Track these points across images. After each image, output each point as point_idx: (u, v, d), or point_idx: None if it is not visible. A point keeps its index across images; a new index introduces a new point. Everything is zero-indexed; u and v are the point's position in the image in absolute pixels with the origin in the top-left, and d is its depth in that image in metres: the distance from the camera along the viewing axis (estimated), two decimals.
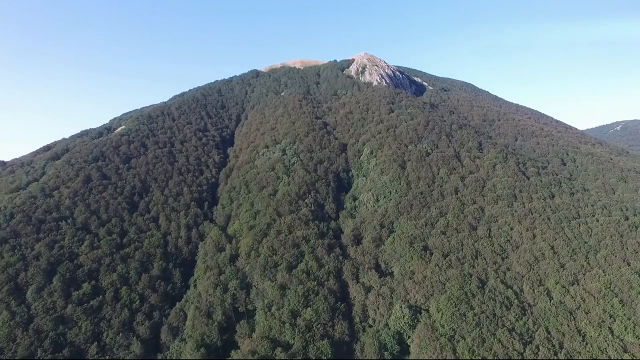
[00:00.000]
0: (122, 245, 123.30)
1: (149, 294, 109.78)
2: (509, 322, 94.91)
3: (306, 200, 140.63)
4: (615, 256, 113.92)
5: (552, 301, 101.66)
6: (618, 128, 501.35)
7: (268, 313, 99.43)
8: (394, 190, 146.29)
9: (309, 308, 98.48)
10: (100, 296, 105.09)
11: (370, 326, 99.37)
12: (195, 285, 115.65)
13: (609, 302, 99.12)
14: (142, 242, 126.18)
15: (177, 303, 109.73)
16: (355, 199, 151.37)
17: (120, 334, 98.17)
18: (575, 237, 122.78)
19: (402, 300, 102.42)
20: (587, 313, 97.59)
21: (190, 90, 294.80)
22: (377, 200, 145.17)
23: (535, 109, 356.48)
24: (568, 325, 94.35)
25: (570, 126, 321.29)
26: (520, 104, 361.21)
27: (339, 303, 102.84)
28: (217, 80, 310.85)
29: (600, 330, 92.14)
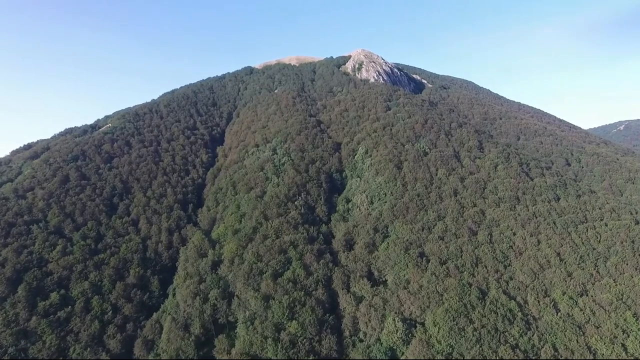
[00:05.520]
0: (97, 251, 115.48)
1: (123, 303, 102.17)
2: (512, 338, 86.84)
3: (296, 203, 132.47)
4: (627, 264, 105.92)
5: (559, 314, 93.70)
6: (621, 128, 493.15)
7: (250, 326, 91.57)
8: (390, 192, 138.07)
9: (294, 321, 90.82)
10: (69, 307, 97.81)
11: (361, 341, 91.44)
12: (174, 294, 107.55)
13: (621, 315, 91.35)
14: (119, 247, 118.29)
15: (154, 314, 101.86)
16: (348, 201, 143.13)
17: (89, 349, 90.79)
18: (583, 243, 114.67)
19: (395, 313, 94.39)
20: (597, 327, 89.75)
21: (181, 87, 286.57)
22: (372, 203, 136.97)
23: (537, 108, 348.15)
24: (577, 341, 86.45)
25: (574, 125, 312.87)
26: (522, 102, 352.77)
27: (328, 315, 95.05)
28: (209, 78, 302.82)
29: (613, 347, 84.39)
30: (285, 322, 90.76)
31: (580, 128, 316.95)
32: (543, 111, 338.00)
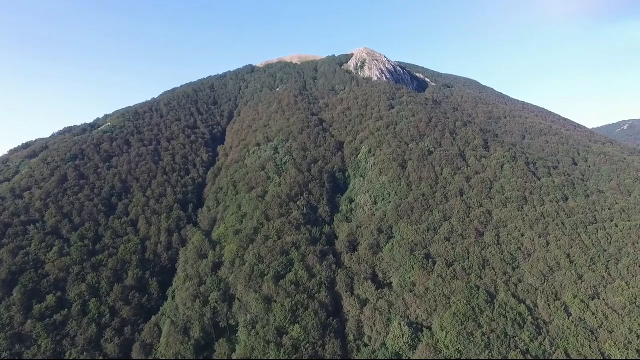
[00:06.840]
0: (95, 252, 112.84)
1: (121, 306, 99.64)
2: (522, 343, 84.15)
3: (298, 203, 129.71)
4: (639, 266, 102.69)
5: (570, 318, 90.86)
6: (625, 127, 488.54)
7: (251, 330, 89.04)
8: (394, 192, 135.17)
9: (297, 325, 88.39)
10: (66, 310, 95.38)
11: (366, 345, 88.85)
12: (173, 297, 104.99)
13: (635, 319, 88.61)
14: (118, 248, 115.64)
15: (153, 317, 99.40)
16: (351, 201, 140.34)
17: (85, 353, 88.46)
18: (593, 245, 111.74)
19: (401, 316, 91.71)
20: (610, 332, 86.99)
21: (181, 86, 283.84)
22: (375, 203, 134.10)
23: (541, 107, 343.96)
24: (590, 347, 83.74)
25: (579, 124, 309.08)
26: (525, 101, 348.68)
27: (331, 319, 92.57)
28: (210, 76, 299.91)
29: (627, 353, 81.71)
30: (287, 326, 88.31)
31: (585, 127, 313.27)
32: (547, 110, 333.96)
